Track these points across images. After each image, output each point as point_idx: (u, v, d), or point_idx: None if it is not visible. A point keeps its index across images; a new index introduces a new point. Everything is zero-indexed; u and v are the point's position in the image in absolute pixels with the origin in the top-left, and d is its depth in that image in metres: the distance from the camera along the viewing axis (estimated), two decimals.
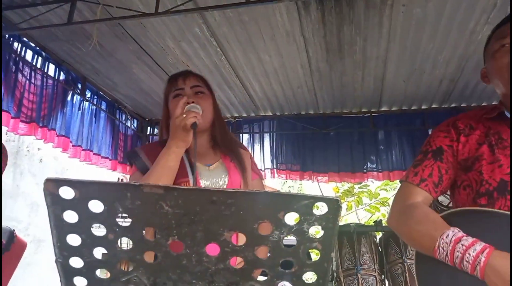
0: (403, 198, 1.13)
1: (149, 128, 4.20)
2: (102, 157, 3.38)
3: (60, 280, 0.74)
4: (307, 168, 3.76)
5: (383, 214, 5.15)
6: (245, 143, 3.97)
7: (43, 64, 2.83)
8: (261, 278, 0.76)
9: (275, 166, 3.84)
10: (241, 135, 4.00)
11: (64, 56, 2.98)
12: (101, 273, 0.75)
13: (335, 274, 2.52)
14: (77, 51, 2.86)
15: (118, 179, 4.40)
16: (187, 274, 0.73)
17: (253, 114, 3.99)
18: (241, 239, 0.70)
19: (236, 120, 4.02)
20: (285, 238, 0.70)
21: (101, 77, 3.29)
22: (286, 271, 0.73)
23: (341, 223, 2.56)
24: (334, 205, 0.68)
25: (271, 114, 3.98)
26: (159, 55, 2.92)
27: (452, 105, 3.56)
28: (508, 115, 1.07)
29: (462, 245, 0.92)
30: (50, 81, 2.88)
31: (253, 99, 3.65)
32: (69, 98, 3.05)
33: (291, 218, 0.70)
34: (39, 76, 2.77)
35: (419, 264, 1.08)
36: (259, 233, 0.69)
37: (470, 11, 2.31)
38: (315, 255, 0.76)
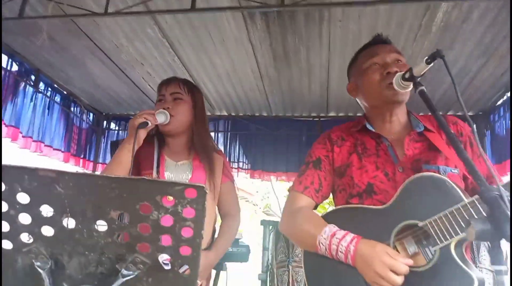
0: (290, 204, 1.30)
1: (105, 122, 4.25)
2: (54, 149, 3.42)
3: None
4: (257, 166, 3.95)
5: None
6: None
7: None
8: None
9: None
10: None
11: (18, 48, 3.01)
12: (5, 245, 0.87)
13: (269, 266, 2.70)
14: (31, 44, 2.89)
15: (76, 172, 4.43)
16: (80, 247, 0.87)
17: (209, 113, 4.11)
18: (126, 217, 0.84)
19: None
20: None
21: (56, 71, 3.33)
22: (165, 245, 0.88)
23: None
24: (201, 191, 0.83)
25: (226, 114, 4.13)
26: (113, 52, 3.01)
27: None
28: (370, 128, 1.26)
29: (336, 238, 1.08)
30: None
31: (208, 99, 3.78)
32: (21, 89, 3.08)
33: (167, 201, 0.85)
34: None
35: (306, 261, 1.22)
36: (140, 213, 0.84)
37: (399, 29, 2.55)
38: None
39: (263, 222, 2.88)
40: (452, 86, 3.22)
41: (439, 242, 0.95)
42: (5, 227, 0.84)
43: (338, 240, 1.08)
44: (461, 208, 0.93)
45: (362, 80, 1.29)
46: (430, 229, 0.97)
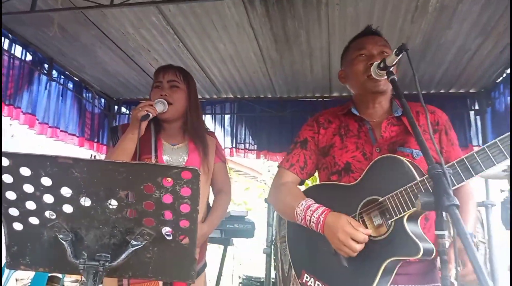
0: (277, 179, 1.46)
1: (115, 106, 4.42)
2: (69, 134, 3.60)
3: (3, 226, 1.02)
4: (263, 147, 4.09)
5: None
6: (207, 123, 4.24)
7: (10, 46, 3.00)
8: None
9: (234, 146, 4.15)
10: (203, 116, 4.26)
11: (31, 39, 3.15)
12: (32, 220, 1.03)
13: (273, 240, 2.88)
14: (43, 34, 3.03)
15: (91, 156, 4.63)
16: (95, 222, 1.02)
17: (215, 96, 4.24)
18: (132, 196, 0.99)
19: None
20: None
21: (68, 59, 3.47)
22: (167, 219, 1.03)
23: None
24: (195, 173, 0.98)
25: (232, 96, 4.24)
26: (121, 40, 3.13)
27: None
28: (355, 112, 1.38)
29: (310, 210, 1.25)
30: (16, 62, 3.06)
31: (214, 82, 3.90)
32: (35, 78, 3.24)
33: (166, 182, 0.99)
34: (5, 57, 2.95)
35: (288, 230, 1.43)
36: (144, 192, 0.98)
37: (396, 11, 2.60)
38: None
39: (267, 200, 3.04)
40: (451, 65, 3.27)
41: (394, 215, 1.11)
42: (32, 206, 1.00)
43: (311, 212, 1.25)
44: (413, 185, 1.08)
45: (349, 70, 1.41)
46: (388, 204, 1.13)
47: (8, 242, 1.03)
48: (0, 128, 2.28)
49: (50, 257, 1.05)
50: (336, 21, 2.75)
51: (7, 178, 0.95)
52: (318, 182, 1.46)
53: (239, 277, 4.04)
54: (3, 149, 0.96)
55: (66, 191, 0.98)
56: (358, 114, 1.39)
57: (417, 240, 1.07)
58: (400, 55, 1.14)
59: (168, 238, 1.04)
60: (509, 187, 2.29)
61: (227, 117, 4.26)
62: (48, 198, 0.99)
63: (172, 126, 1.77)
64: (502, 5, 2.44)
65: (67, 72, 3.64)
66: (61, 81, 3.56)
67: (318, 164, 1.46)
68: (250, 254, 6.69)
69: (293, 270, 1.38)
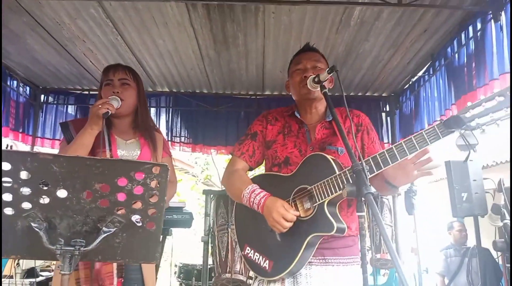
0: (230, 166, 1.68)
1: (42, 96, 4.22)
2: None
3: None
4: (198, 141, 4.24)
5: None
6: None
7: None
8: None
9: (170, 139, 4.23)
10: None
11: None
12: (7, 211, 1.10)
13: (211, 229, 3.07)
14: None
15: (7, 146, 4.35)
16: (69, 211, 1.13)
17: (150, 89, 4.27)
18: (106, 188, 1.11)
19: None
20: None
21: None
22: (136, 208, 1.17)
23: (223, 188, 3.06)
24: (164, 168, 1.13)
25: (168, 90, 4.31)
26: (55, 29, 3.04)
27: None
28: (297, 115, 1.65)
29: (254, 194, 1.49)
30: None
31: (150, 76, 3.94)
32: None
33: (141, 175, 1.13)
34: None
35: (236, 210, 1.71)
36: (118, 185, 1.12)
37: (324, 23, 2.92)
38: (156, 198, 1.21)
39: (205, 191, 3.22)
40: (368, 72, 3.73)
41: (318, 200, 1.42)
42: (8, 197, 1.08)
43: (255, 195, 1.52)
44: (333, 177, 1.40)
45: (291, 81, 1.68)
46: (314, 191, 1.43)
47: None
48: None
49: (23, 244, 1.13)
50: (271, 27, 2.99)
51: None
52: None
53: (176, 265, 4.16)
54: None
55: (44, 184, 1.08)
56: (299, 117, 1.65)
57: (332, 220, 1.38)
58: (331, 74, 1.40)
59: (138, 224, 1.18)
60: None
61: (162, 110, 4.31)
62: (26, 190, 1.08)
63: (122, 122, 1.86)
64: (410, 24, 2.89)
65: None
66: None
67: (264, 155, 1.70)
68: (187, 244, 6.81)
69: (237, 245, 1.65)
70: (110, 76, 1.83)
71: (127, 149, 1.80)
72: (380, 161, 1.35)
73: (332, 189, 1.38)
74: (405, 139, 1.37)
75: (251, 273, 1.81)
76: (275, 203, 1.44)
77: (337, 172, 1.39)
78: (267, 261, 1.51)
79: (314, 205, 1.43)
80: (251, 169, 1.73)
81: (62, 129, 1.79)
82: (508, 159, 5.17)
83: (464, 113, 1.23)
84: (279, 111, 1.75)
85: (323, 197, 1.40)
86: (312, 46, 1.75)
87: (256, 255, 1.55)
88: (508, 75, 2.31)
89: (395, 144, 1.37)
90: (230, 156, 1.80)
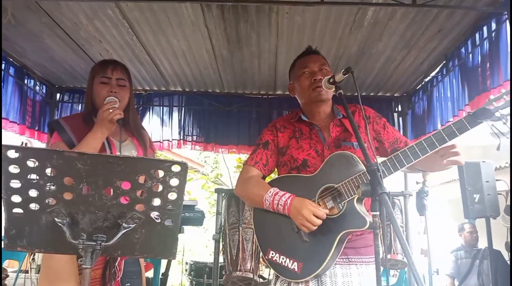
0: (244, 174, 1.70)
1: (58, 94, 4.30)
2: (10, 122, 3.48)
3: (4, 210, 1.13)
4: (210, 140, 4.27)
5: None
6: (155, 115, 4.33)
7: None
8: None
9: (182, 138, 4.28)
10: (151, 107, 4.33)
11: None
12: (32, 206, 1.15)
13: (222, 228, 3.10)
14: None
15: (22, 143, 4.45)
16: (92, 207, 1.17)
17: (163, 89, 4.32)
18: (127, 185, 1.15)
19: (147, 93, 4.33)
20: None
21: (10, 44, 3.34)
22: (155, 205, 1.20)
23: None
24: (184, 166, 1.17)
25: (180, 89, 4.36)
26: (72, 30, 3.10)
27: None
28: (304, 118, 1.67)
29: (278, 195, 1.50)
30: None
31: (164, 75, 3.99)
32: None
33: (159, 174, 1.17)
34: None
35: (255, 215, 1.69)
36: (138, 182, 1.15)
37: (337, 23, 2.93)
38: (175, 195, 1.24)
39: (217, 190, 3.26)
40: (380, 72, 3.72)
41: (347, 197, 1.42)
42: (34, 193, 1.12)
43: (279, 197, 1.52)
44: (361, 174, 1.40)
45: (297, 84, 1.69)
46: (342, 189, 1.43)
47: (7, 225, 1.14)
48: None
49: (47, 238, 1.18)
50: (284, 28, 3.01)
51: (14, 169, 1.07)
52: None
53: (186, 263, 4.20)
54: None
55: (68, 181, 1.12)
56: (307, 120, 1.67)
57: (364, 215, 1.39)
58: (347, 75, 1.42)
59: (156, 221, 1.22)
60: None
61: (175, 109, 4.36)
62: (51, 186, 1.12)
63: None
64: (424, 24, 2.88)
65: (8, 58, 3.49)
66: (2, 66, 3.41)
67: (277, 162, 1.71)
68: (199, 241, 6.88)
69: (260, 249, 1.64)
70: (108, 73, 1.76)
71: (125, 151, 1.80)
72: (409, 154, 1.40)
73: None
74: (417, 142, 1.40)
75: (261, 272, 1.80)
76: (303, 202, 1.45)
77: (365, 169, 1.39)
78: (295, 263, 1.50)
79: (343, 202, 1.44)
80: (264, 177, 1.74)
81: (55, 127, 1.70)
82: None
83: (488, 106, 1.28)
84: (285, 119, 1.78)
85: (352, 194, 1.41)
86: (315, 49, 1.77)
87: (282, 258, 1.53)
88: None
89: (408, 146, 1.40)
90: (240, 155, 1.82)
